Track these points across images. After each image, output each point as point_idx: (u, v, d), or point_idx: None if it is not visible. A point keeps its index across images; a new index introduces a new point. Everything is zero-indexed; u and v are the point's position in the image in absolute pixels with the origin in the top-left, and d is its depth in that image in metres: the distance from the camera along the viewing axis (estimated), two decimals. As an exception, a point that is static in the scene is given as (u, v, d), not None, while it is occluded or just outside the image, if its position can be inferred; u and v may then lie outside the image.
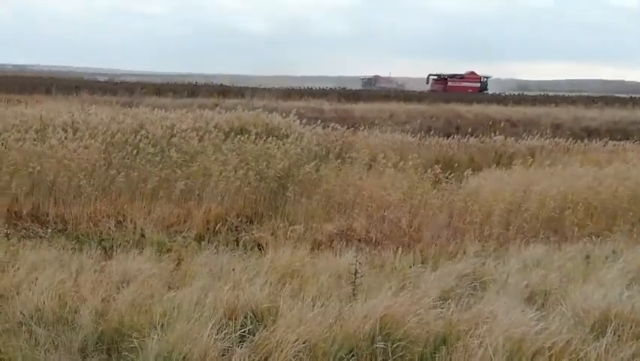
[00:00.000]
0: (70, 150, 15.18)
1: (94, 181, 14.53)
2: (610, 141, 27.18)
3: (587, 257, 10.88)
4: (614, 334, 7.37)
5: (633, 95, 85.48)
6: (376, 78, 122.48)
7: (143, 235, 12.41)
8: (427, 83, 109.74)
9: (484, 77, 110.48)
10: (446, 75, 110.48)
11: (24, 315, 7.45)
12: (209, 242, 12.08)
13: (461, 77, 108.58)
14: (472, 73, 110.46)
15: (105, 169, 14.94)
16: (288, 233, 12.73)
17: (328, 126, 23.65)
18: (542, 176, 16.53)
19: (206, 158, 15.85)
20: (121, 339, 7.09)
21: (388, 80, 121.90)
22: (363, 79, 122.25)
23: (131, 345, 6.84)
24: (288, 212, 14.20)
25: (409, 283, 8.94)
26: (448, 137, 27.48)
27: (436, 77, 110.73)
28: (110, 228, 12.98)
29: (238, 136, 17.83)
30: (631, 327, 7.59)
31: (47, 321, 7.37)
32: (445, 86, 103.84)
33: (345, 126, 25.35)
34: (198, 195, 14.66)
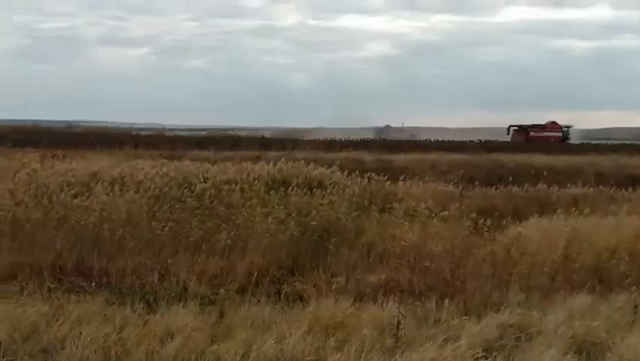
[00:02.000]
0: (117, 203, 15.35)
1: (137, 235, 14.63)
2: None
3: (635, 307, 10.72)
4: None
5: None
6: (387, 128, 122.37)
7: (186, 289, 12.43)
8: (508, 134, 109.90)
9: (566, 127, 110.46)
10: (527, 126, 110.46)
11: (69, 369, 7.48)
12: (251, 294, 12.09)
13: (543, 127, 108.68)
14: (554, 123, 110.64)
15: (149, 223, 15.04)
16: (331, 285, 12.69)
17: (369, 178, 23.66)
18: (587, 225, 16.35)
19: (250, 211, 15.90)
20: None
21: (400, 129, 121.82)
22: (375, 129, 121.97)
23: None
24: (330, 264, 14.16)
25: (452, 335, 8.87)
26: (490, 186, 27.36)
27: (517, 128, 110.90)
28: (153, 281, 13.03)
29: (281, 188, 17.88)
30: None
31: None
32: (526, 137, 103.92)
33: (386, 177, 25.36)
34: (241, 247, 14.68)
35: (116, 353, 7.89)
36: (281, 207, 15.94)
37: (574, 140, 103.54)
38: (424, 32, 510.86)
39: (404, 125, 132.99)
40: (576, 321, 9.60)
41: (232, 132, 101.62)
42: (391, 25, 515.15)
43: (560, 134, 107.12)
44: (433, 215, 16.02)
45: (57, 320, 9.04)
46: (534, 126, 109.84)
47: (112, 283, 13.15)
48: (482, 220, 15.63)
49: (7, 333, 8.43)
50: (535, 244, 14.46)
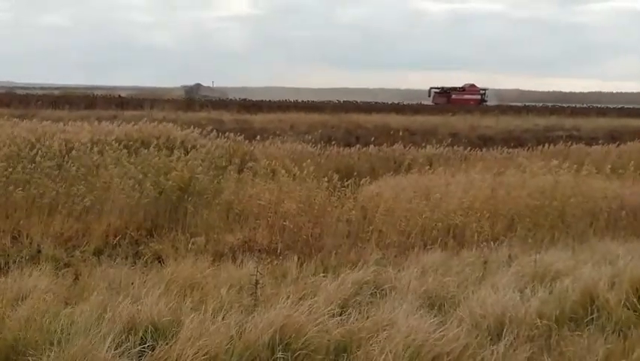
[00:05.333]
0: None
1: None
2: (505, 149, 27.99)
3: (485, 263, 11.12)
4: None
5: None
6: (198, 87, 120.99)
7: (39, 251, 12.11)
8: (429, 96, 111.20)
9: (483, 89, 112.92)
10: (448, 88, 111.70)
11: None
12: (108, 256, 11.90)
13: (463, 90, 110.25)
14: (473, 85, 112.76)
15: (2, 184, 14.55)
16: (189, 245, 12.64)
17: (229, 137, 23.61)
18: (440, 183, 16.84)
19: (106, 171, 15.61)
20: (16, 357, 6.91)
21: (210, 88, 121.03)
22: (185, 87, 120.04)
23: (28, 363, 6.68)
24: (188, 224, 14.09)
25: (310, 292, 8.98)
26: (348, 146, 27.79)
27: (438, 90, 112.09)
28: (5, 244, 12.63)
29: (139, 149, 17.63)
30: (525, 330, 7.81)
31: None
32: (448, 99, 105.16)
33: (246, 137, 25.40)
34: (98, 209, 14.40)
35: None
36: (139, 167, 15.72)
37: (490, 102, 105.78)
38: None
39: (214, 84, 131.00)
40: (429, 277, 9.87)
41: (88, 91, 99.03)
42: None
43: (479, 96, 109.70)
44: (290, 175, 16.14)
45: None
46: (454, 89, 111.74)
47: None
48: (339, 179, 15.86)
49: None
50: (391, 202, 14.78)
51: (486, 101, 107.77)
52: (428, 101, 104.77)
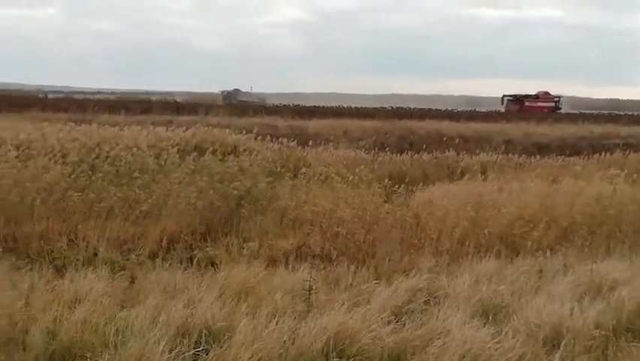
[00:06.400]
0: (28, 169, 14.99)
1: (47, 200, 14.32)
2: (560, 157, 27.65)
3: (540, 271, 11.01)
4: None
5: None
6: (237, 92, 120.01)
7: (95, 254, 12.26)
8: (502, 103, 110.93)
9: (557, 97, 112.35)
10: (521, 95, 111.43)
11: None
12: (163, 260, 12.01)
13: (537, 97, 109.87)
14: (547, 93, 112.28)
15: (60, 187, 14.75)
16: (243, 250, 12.70)
17: (282, 143, 23.67)
18: (494, 190, 16.70)
19: (165, 177, 15.74)
20: (72, 359, 7.01)
21: (249, 94, 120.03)
22: (223, 92, 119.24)
23: (83, 365, 6.77)
24: (242, 229, 14.15)
25: (363, 299, 8.98)
26: (401, 153, 27.71)
27: (511, 98, 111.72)
28: (62, 246, 12.80)
29: (194, 154, 17.75)
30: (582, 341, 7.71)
31: (-3, 342, 7.25)
32: (521, 107, 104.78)
33: (299, 143, 25.45)
34: (155, 213, 14.52)
35: (22, 319, 7.75)
36: (204, 176, 15.78)
37: (565, 109, 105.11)
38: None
39: (252, 89, 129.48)
40: (483, 285, 9.81)
41: (143, 96, 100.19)
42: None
43: (553, 104, 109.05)
44: (344, 181, 16.14)
45: (-39, 287, 8.84)
46: (527, 96, 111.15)
47: (19, 248, 12.89)
48: (392, 186, 15.84)
49: None
50: (444, 209, 14.70)
51: (560, 108, 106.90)
52: (500, 108, 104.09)
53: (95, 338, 7.21)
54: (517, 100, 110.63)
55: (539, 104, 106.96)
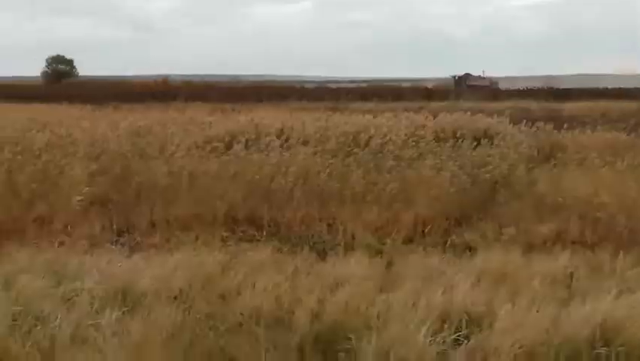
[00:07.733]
0: (289, 157, 15.71)
1: (306, 187, 14.88)
2: None
3: None
4: None
5: None
6: (467, 76, 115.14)
7: (353, 238, 12.58)
8: None
9: None
10: None
11: (243, 316, 7.70)
12: (417, 245, 12.11)
13: None
14: None
15: (319, 175, 15.27)
16: (500, 236, 12.54)
17: (537, 127, 23.16)
18: None
19: (422, 164, 15.87)
20: (336, 340, 7.20)
21: (480, 78, 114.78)
22: (454, 77, 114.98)
23: (347, 346, 6.93)
24: (497, 214, 13.98)
25: (628, 287, 8.60)
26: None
27: None
28: (321, 231, 13.24)
29: (451, 140, 17.78)
30: None
31: (266, 322, 7.58)
32: None
33: (554, 126, 24.76)
34: (407, 198, 14.68)
35: (288, 300, 8.06)
36: (456, 162, 15.78)
37: None
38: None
39: (484, 73, 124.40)
40: None
41: (394, 83, 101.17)
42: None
43: None
44: (605, 165, 15.55)
45: (231, 269, 9.33)
46: None
47: (281, 232, 13.47)
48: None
49: (185, 281, 8.74)
50: None
51: None
52: None
53: (357, 320, 7.37)
54: None
55: None
